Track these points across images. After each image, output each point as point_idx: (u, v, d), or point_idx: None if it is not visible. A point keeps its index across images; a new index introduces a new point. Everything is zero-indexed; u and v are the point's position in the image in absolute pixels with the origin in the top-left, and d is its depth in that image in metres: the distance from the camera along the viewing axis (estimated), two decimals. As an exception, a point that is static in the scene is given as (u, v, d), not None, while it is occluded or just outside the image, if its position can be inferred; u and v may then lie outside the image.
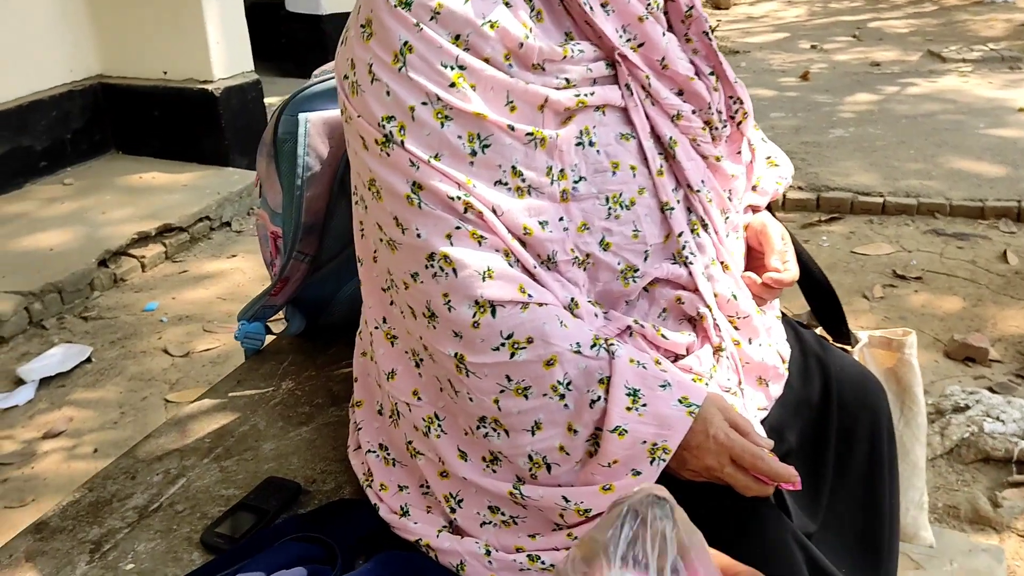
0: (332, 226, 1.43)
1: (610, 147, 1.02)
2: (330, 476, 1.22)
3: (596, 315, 1.04)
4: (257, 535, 1.09)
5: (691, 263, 1.06)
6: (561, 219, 1.01)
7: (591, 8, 1.01)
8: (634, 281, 1.05)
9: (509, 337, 0.96)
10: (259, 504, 1.15)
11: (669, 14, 1.09)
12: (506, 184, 0.98)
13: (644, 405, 0.95)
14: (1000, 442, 2.16)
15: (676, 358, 1.07)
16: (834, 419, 1.19)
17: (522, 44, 0.98)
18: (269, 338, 1.56)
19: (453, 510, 1.05)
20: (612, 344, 0.98)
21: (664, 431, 0.94)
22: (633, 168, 1.03)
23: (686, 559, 0.50)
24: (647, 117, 1.05)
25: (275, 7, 6.07)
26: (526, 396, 0.97)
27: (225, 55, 4.33)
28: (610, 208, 1.02)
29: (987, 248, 3.47)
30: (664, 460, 0.94)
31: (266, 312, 1.49)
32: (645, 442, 0.94)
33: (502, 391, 0.98)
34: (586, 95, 1.01)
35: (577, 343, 0.97)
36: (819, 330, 1.40)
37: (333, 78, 1.25)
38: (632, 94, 1.04)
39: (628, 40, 1.04)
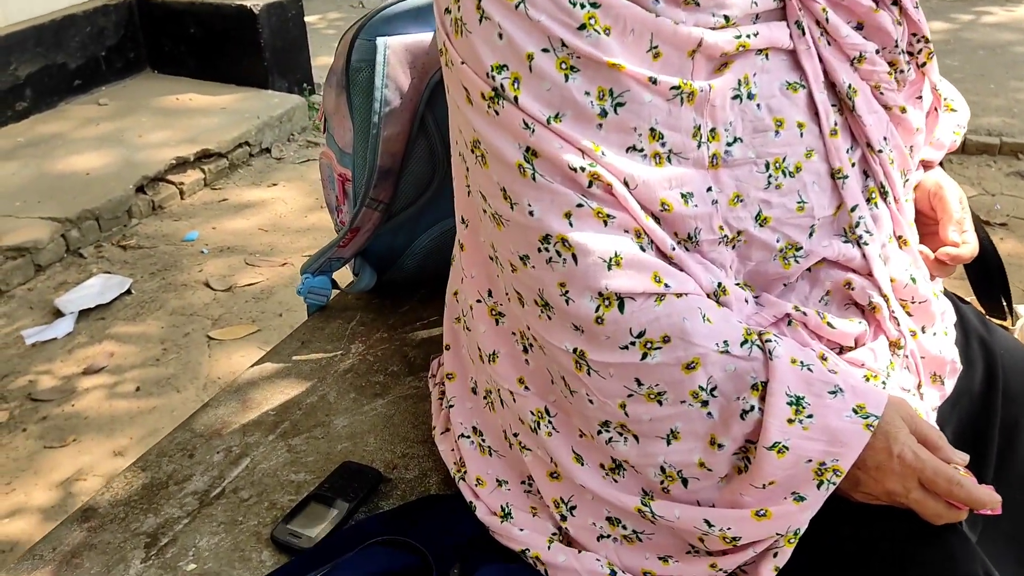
0: (408, 171, 1.25)
1: (773, 100, 0.83)
2: (413, 461, 1.07)
3: (747, 300, 0.86)
4: (337, 535, 0.94)
5: (866, 242, 0.87)
6: (709, 190, 0.82)
7: None
8: (796, 261, 0.86)
9: (640, 336, 0.79)
10: (336, 495, 1.00)
11: None
12: (641, 150, 0.80)
13: (810, 416, 0.77)
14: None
15: (841, 350, 0.89)
16: (997, 411, 1.01)
17: None
18: (333, 293, 1.39)
19: (564, 518, 0.90)
20: (768, 340, 0.81)
21: (835, 448, 0.77)
22: (800, 125, 0.84)
23: None
24: (820, 61, 0.85)
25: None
26: (660, 403, 0.80)
27: (264, -31, 4.09)
28: (770, 176, 0.83)
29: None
30: (834, 483, 0.77)
31: (332, 265, 1.32)
32: (811, 461, 0.77)
33: (630, 395, 0.81)
34: (748, 36, 0.82)
35: (724, 341, 0.79)
36: (972, 301, 1.20)
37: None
38: (804, 33, 0.84)
39: None
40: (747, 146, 0.83)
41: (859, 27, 0.87)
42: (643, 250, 0.80)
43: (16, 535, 1.97)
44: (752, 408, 0.79)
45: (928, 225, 1.00)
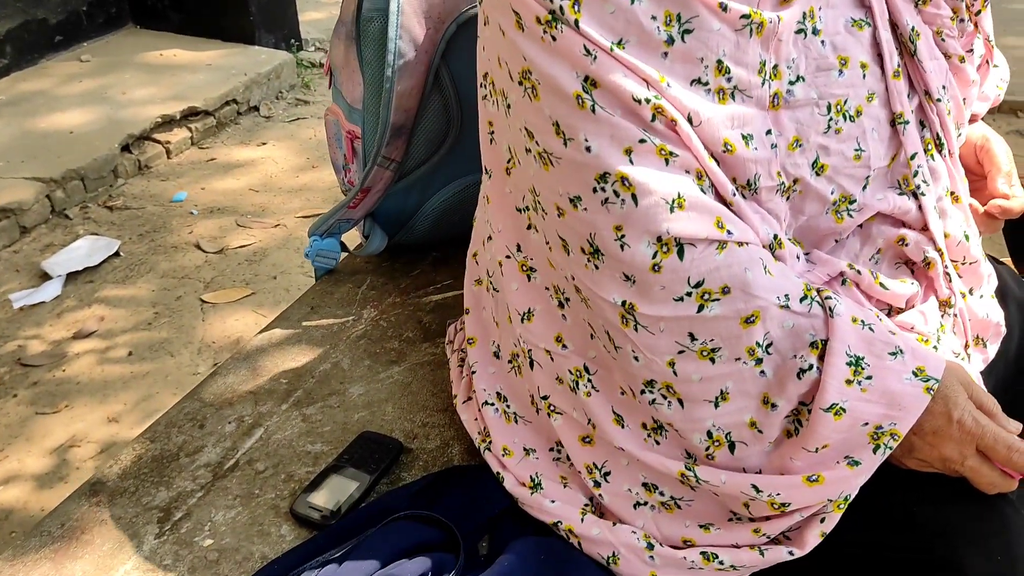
0: (421, 127, 1.20)
1: (838, 37, 0.78)
2: (434, 431, 1.03)
3: (798, 257, 0.82)
4: (360, 511, 0.90)
5: (923, 193, 0.83)
6: (769, 132, 0.77)
7: None
8: (849, 215, 0.82)
9: (698, 285, 0.75)
10: (355, 467, 0.96)
11: None
12: (706, 84, 0.74)
13: (869, 378, 0.74)
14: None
15: (890, 312, 0.85)
16: None
17: None
18: (342, 256, 1.34)
19: (597, 484, 0.86)
20: (828, 296, 0.77)
21: (894, 412, 0.74)
22: (864, 66, 0.79)
23: None
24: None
25: None
26: (712, 360, 0.76)
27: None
28: (831, 119, 0.78)
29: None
30: (890, 448, 0.74)
31: (342, 227, 1.27)
32: (867, 424, 0.74)
33: (681, 352, 0.77)
34: None
35: (786, 295, 0.75)
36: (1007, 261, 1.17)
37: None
38: None
39: None
40: (809, 86, 0.78)
41: None
42: (704, 192, 0.75)
43: (11, 503, 1.92)
44: (811, 367, 0.75)
45: (974, 181, 0.96)
